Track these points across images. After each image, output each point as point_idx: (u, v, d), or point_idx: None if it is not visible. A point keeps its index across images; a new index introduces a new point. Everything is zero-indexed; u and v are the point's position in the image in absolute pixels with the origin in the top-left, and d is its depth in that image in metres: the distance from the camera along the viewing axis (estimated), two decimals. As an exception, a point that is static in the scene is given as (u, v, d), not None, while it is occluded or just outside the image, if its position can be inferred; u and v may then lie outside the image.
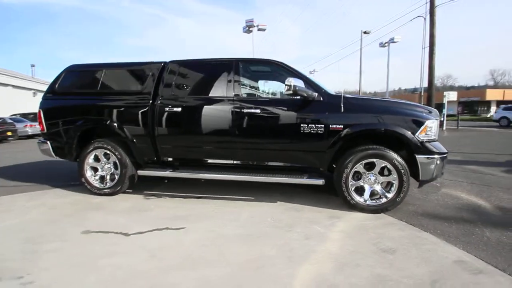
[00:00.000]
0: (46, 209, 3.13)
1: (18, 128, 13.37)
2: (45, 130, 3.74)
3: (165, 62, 3.56)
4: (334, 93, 3.13)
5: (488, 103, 37.90)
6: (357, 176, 3.04)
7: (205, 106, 3.29)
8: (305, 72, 3.30)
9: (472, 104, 38.63)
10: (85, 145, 3.64)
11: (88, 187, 3.60)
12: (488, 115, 32.19)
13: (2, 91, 20.17)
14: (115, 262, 2.01)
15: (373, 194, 3.03)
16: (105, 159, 3.60)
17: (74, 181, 4.32)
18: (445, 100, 15.74)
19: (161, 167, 3.53)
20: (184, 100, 3.36)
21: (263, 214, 3.00)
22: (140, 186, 3.86)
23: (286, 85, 2.81)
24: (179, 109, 3.30)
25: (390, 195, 2.94)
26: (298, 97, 3.02)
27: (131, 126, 3.45)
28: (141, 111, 3.41)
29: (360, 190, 3.04)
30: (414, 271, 1.91)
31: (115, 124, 3.47)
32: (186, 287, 1.73)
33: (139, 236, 2.45)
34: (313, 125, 2.99)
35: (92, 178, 3.61)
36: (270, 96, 3.62)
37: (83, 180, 3.61)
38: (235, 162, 3.35)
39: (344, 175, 2.97)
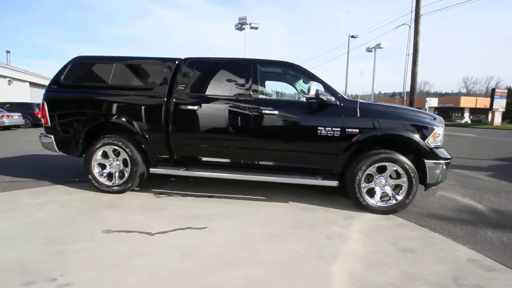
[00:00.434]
0: (56, 207, 3.00)
1: (-7, 118, 12.52)
2: (49, 124, 3.57)
3: (179, 59, 3.52)
4: (349, 99, 3.25)
5: (462, 110, 40.31)
6: (369, 178, 3.18)
7: (222, 106, 3.29)
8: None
9: (447, 110, 40.91)
10: (92, 140, 3.53)
11: (96, 184, 3.49)
12: (462, 121, 34.18)
13: (-27, 78, 18.74)
14: (150, 262, 2.00)
15: (383, 196, 3.19)
16: (114, 156, 3.51)
17: (73, 178, 4.18)
18: (427, 106, 16.62)
19: (173, 165, 3.49)
20: (200, 99, 3.34)
21: (280, 214, 3.07)
22: (145, 184, 3.79)
23: (309, 88, 2.89)
24: (196, 108, 3.28)
25: (399, 197, 3.12)
26: (316, 101, 3.11)
27: (144, 122, 3.38)
28: (156, 108, 3.35)
29: (371, 192, 3.19)
30: (436, 269, 2.06)
31: (128, 120, 3.38)
32: (232, 286, 1.76)
33: (164, 236, 2.43)
34: (330, 128, 3.10)
35: (99, 175, 3.51)
36: (288, 98, 3.68)
37: (90, 177, 3.49)
38: (249, 162, 3.39)
39: (358, 178, 3.10)
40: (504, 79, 63.57)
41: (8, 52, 30.99)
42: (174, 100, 3.32)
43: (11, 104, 15.71)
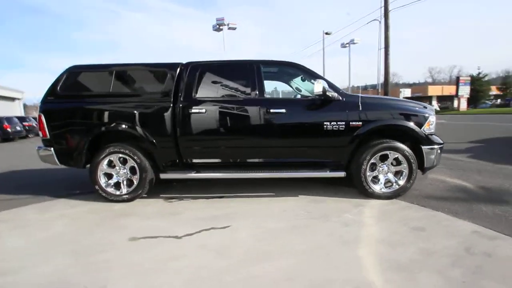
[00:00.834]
0: (68, 220, 2.93)
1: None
2: (48, 136, 3.44)
3: (182, 63, 3.53)
4: (350, 94, 3.44)
5: (430, 98, 42.77)
6: (372, 167, 3.40)
7: (230, 107, 3.35)
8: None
9: (416, 99, 43.15)
10: (93, 151, 3.46)
11: (104, 194, 3.43)
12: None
13: None
14: (187, 263, 2.05)
15: (386, 182, 3.43)
16: (120, 164, 3.46)
17: (72, 190, 4.06)
18: (401, 96, 17.51)
19: (183, 169, 3.50)
20: (207, 102, 3.38)
21: (293, 207, 3.20)
22: (152, 190, 3.74)
23: (316, 86, 3.03)
24: (203, 110, 3.32)
25: (401, 182, 3.36)
26: (321, 97, 3.26)
27: (152, 128, 3.36)
28: (163, 113, 3.35)
29: (375, 180, 3.41)
30: (447, 243, 2.29)
31: (135, 127, 3.35)
32: (273, 278, 1.85)
33: (192, 238, 2.48)
34: (336, 123, 3.27)
35: (106, 185, 3.44)
36: (294, 96, 3.79)
37: (97, 187, 3.42)
38: (259, 160, 3.49)
39: (363, 167, 3.30)
40: (465, 67, 68.41)
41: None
42: (181, 104, 3.34)
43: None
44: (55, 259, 2.13)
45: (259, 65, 3.45)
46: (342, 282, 1.79)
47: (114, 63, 3.57)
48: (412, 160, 3.29)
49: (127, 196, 3.44)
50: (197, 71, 3.45)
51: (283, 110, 3.31)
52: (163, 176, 3.43)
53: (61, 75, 3.54)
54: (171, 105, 3.36)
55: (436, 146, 3.39)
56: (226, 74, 3.54)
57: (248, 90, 3.41)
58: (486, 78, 37.01)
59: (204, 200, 3.56)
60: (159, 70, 3.51)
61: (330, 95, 3.21)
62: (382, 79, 22.22)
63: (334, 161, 3.43)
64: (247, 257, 2.14)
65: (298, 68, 3.55)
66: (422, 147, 3.33)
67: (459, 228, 2.58)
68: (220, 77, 3.53)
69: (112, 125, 3.38)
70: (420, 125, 3.33)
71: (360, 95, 3.34)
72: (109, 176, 3.50)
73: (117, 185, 3.49)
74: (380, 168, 3.40)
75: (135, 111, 3.38)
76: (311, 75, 3.46)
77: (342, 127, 3.28)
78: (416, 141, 3.37)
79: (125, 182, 3.48)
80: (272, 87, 4.82)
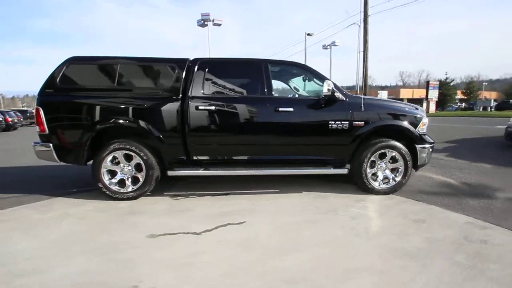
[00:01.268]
0: (75, 220, 2.83)
1: None
2: (46, 131, 3.28)
3: (189, 60, 3.52)
4: (353, 95, 3.63)
5: (401, 101, 45.17)
6: (371, 164, 3.62)
7: (239, 105, 3.41)
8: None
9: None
10: (94, 147, 3.36)
11: (107, 192, 3.34)
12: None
13: None
14: (217, 257, 2.10)
15: (383, 179, 3.66)
16: (125, 161, 3.39)
17: (68, 188, 3.90)
18: (379, 97, 18.38)
19: (190, 166, 3.50)
20: (216, 99, 3.41)
21: (300, 203, 3.33)
22: (154, 188, 3.71)
23: (325, 86, 3.19)
24: (212, 108, 3.35)
25: (398, 179, 3.61)
26: (327, 97, 3.42)
27: (159, 125, 3.33)
28: (171, 109, 3.33)
29: (373, 176, 3.64)
30: (446, 233, 2.53)
31: (141, 123, 3.29)
32: (304, 268, 1.96)
33: (211, 234, 2.52)
34: (340, 122, 3.44)
35: (110, 182, 3.36)
36: (302, 96, 3.90)
37: (100, 185, 3.32)
38: (266, 157, 3.57)
39: (364, 164, 3.52)
40: (433, 72, 73.33)
41: None
42: (190, 101, 3.34)
43: None
44: (78, 259, 2.08)
45: (267, 64, 3.53)
46: (367, 269, 1.94)
47: (119, 56, 3.48)
48: (407, 158, 3.55)
49: (132, 193, 3.38)
50: (205, 67, 3.46)
51: (291, 109, 3.42)
52: (171, 173, 3.41)
53: (60, 66, 3.38)
54: (180, 101, 3.34)
55: (428, 146, 3.68)
56: (234, 72, 3.59)
57: (256, 88, 3.48)
58: (452, 83, 39.82)
59: (210, 197, 3.59)
60: (167, 66, 3.47)
61: (337, 96, 3.37)
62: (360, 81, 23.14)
63: (337, 159, 3.60)
64: (272, 250, 2.23)
65: (305, 69, 3.68)
66: (417, 146, 3.61)
67: (453, 219, 2.84)
68: (228, 75, 3.57)
69: (118, 120, 3.30)
70: (415, 125, 3.60)
71: (362, 96, 3.54)
72: (112, 173, 3.41)
73: (121, 183, 3.42)
74: (379, 166, 3.63)
75: (142, 106, 3.33)
76: (317, 76, 3.60)
77: (346, 126, 3.46)
78: (411, 140, 3.63)
79: (129, 180, 3.41)
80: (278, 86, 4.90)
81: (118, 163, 3.40)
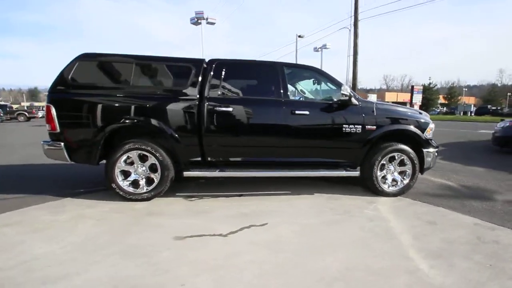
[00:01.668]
0: (94, 221, 2.76)
1: None
2: (57, 130, 3.17)
3: (205, 60, 3.51)
4: (365, 99, 3.74)
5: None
6: (381, 167, 3.75)
7: (256, 107, 3.43)
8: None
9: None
10: (108, 147, 3.29)
11: (121, 193, 3.27)
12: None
13: None
14: (248, 259, 2.11)
15: (392, 181, 3.80)
16: (140, 162, 3.33)
17: (74, 189, 3.79)
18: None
19: (205, 167, 3.49)
20: (233, 100, 3.41)
21: (316, 205, 3.40)
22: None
23: (343, 90, 3.27)
24: (230, 109, 3.35)
25: (406, 181, 3.76)
26: (341, 102, 3.50)
27: (176, 125, 3.29)
28: (188, 110, 3.30)
29: (383, 179, 3.76)
30: (460, 233, 2.66)
31: (158, 123, 3.25)
32: (339, 268, 2.02)
33: (237, 235, 2.53)
34: (353, 126, 3.54)
35: (123, 183, 3.29)
36: (317, 99, 3.95)
37: (113, 186, 3.25)
38: (280, 159, 3.61)
39: (375, 167, 3.63)
40: (414, 77, 76.21)
41: None
42: (207, 102, 3.32)
43: None
44: (107, 262, 2.04)
45: (283, 67, 3.57)
46: (396, 269, 2.02)
47: (134, 54, 3.41)
48: (415, 162, 3.71)
49: (147, 194, 3.32)
50: (222, 69, 3.45)
51: (307, 112, 3.48)
52: (187, 174, 3.38)
53: (72, 63, 3.28)
54: (197, 102, 3.32)
55: (433, 150, 3.85)
56: (250, 74, 3.61)
57: (273, 91, 3.51)
58: (435, 88, 41.48)
59: (224, 198, 3.59)
60: (183, 65, 3.43)
61: (353, 100, 3.47)
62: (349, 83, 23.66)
63: (349, 162, 3.70)
64: (301, 251, 2.27)
65: (320, 73, 3.75)
66: (424, 150, 3.76)
67: (462, 221, 3.00)
68: (244, 76, 3.59)
69: (133, 119, 3.24)
70: (423, 130, 3.76)
71: (374, 101, 3.65)
72: (125, 174, 3.34)
73: (134, 184, 3.36)
74: (388, 169, 3.76)
75: (159, 106, 3.28)
76: (331, 80, 3.68)
77: (359, 130, 3.56)
78: (418, 144, 3.79)
79: (144, 181, 3.36)
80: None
81: (131, 163, 3.34)
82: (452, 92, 45.07)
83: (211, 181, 4.29)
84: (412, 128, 3.70)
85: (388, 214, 3.16)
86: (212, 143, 3.40)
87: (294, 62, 29.85)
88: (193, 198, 3.54)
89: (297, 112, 3.45)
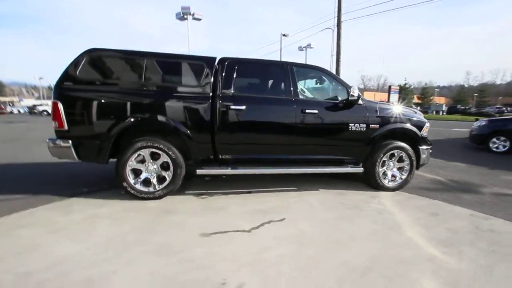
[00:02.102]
0: (110, 221, 2.70)
1: None
2: (65, 127, 3.05)
3: (217, 58, 3.51)
4: (368, 100, 3.93)
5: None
6: (382, 164, 3.96)
7: (268, 105, 3.49)
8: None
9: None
10: (117, 145, 3.22)
11: (132, 191, 3.22)
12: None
13: None
14: (278, 253, 2.19)
15: (391, 176, 4.03)
16: (151, 160, 3.28)
17: (76, 188, 3.66)
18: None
19: (217, 164, 3.50)
20: (247, 99, 3.45)
21: (326, 200, 3.54)
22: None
23: (353, 91, 3.43)
24: (243, 107, 3.39)
25: (404, 177, 4.01)
26: (345, 101, 3.66)
27: (189, 123, 3.28)
28: (201, 108, 3.30)
29: (383, 175, 3.99)
30: (460, 223, 2.91)
31: (171, 120, 3.22)
32: (365, 259, 2.15)
33: (259, 231, 2.59)
34: (359, 124, 3.72)
35: (135, 181, 3.24)
36: (326, 99, 4.05)
37: (125, 184, 3.19)
38: (289, 157, 3.71)
39: (377, 164, 3.84)
40: (389, 77, 79.99)
41: None
42: (220, 100, 3.34)
43: None
44: (141, 261, 2.03)
45: (292, 67, 3.66)
46: (417, 257, 2.19)
47: (144, 51, 3.33)
48: (413, 158, 3.96)
49: (159, 192, 3.29)
50: (234, 67, 3.48)
51: (316, 111, 3.60)
52: (200, 171, 3.37)
53: (79, 58, 3.15)
54: (210, 99, 3.33)
55: (428, 147, 4.14)
56: (261, 73, 3.66)
57: (283, 90, 3.59)
58: (410, 88, 43.67)
59: (234, 195, 3.64)
60: (195, 63, 3.41)
61: (360, 100, 3.64)
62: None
63: (354, 158, 3.88)
64: (327, 244, 2.38)
65: (326, 73, 3.88)
66: (420, 147, 4.03)
67: (458, 212, 3.27)
68: (256, 75, 3.63)
69: (146, 117, 3.18)
70: (420, 129, 4.02)
71: (377, 101, 3.85)
72: (135, 172, 3.28)
73: (146, 182, 3.31)
74: (388, 165, 3.99)
75: (171, 104, 3.25)
76: (337, 81, 3.83)
77: (363, 129, 3.75)
78: (415, 142, 4.05)
79: (155, 179, 3.32)
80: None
81: (142, 161, 3.29)
82: (425, 93, 47.84)
83: (217, 178, 4.30)
84: (411, 126, 3.94)
85: (392, 207, 3.37)
86: (224, 141, 3.42)
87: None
88: (204, 196, 3.55)
89: (307, 111, 3.56)
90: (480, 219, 3.04)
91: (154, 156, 3.30)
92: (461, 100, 53.43)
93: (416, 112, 4.35)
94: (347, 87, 3.76)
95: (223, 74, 3.43)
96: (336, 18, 22.97)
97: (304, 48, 25.78)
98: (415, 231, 2.71)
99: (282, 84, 3.61)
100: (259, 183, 4.10)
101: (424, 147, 4.08)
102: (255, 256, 2.13)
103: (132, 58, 3.31)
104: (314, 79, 4.21)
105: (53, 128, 3.10)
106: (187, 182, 4.00)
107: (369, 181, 4.04)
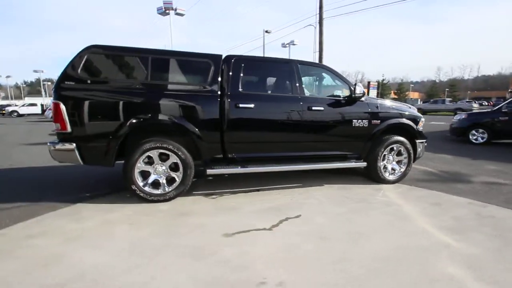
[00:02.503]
0: (126, 226, 2.61)
1: None
2: (68, 130, 2.89)
3: (223, 56, 3.47)
4: (369, 97, 4.06)
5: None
6: (383, 158, 4.13)
7: (275, 103, 3.51)
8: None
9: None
10: (123, 146, 3.11)
11: (142, 194, 3.13)
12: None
13: None
14: (307, 249, 2.23)
15: (391, 170, 4.21)
16: (160, 161, 3.20)
17: (77, 194, 3.51)
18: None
19: (226, 164, 3.48)
20: (254, 96, 3.45)
21: (333, 195, 3.63)
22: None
23: (358, 89, 3.53)
24: (252, 105, 3.38)
25: (403, 170, 4.20)
26: (352, 98, 3.76)
27: (199, 122, 3.23)
28: (210, 106, 3.26)
29: (384, 168, 4.15)
30: (461, 212, 3.11)
31: (180, 120, 3.15)
32: (387, 249, 2.24)
33: (280, 229, 2.62)
34: (361, 120, 3.84)
35: (144, 184, 3.15)
36: (331, 96, 4.12)
37: (133, 187, 3.09)
38: (295, 154, 3.76)
39: (379, 158, 4.00)
40: (367, 73, 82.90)
41: None
42: (229, 98, 3.31)
43: None
44: (174, 266, 1.98)
45: (297, 64, 3.70)
46: (434, 245, 2.32)
47: (149, 48, 3.23)
48: (411, 152, 4.16)
49: (169, 194, 3.22)
50: (241, 65, 3.46)
51: (322, 108, 3.67)
52: (210, 171, 3.34)
53: (79, 56, 2.99)
54: (219, 98, 3.29)
55: (423, 141, 4.36)
56: (268, 71, 3.67)
57: (290, 87, 3.63)
58: (387, 84, 45.44)
59: (243, 194, 3.64)
60: (201, 61, 3.35)
61: (363, 98, 3.75)
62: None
63: (356, 153, 4.01)
64: (348, 237, 2.45)
65: (329, 71, 3.95)
66: (416, 141, 4.24)
67: (457, 201, 3.48)
68: (263, 73, 3.63)
69: (154, 116, 3.09)
70: (416, 123, 4.22)
71: (377, 98, 3.99)
72: (143, 174, 3.19)
73: (155, 184, 3.22)
74: (388, 159, 4.16)
75: (180, 103, 3.18)
76: (340, 78, 3.92)
77: (366, 124, 3.88)
78: (412, 136, 4.25)
79: (165, 181, 3.24)
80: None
81: (150, 163, 3.20)
82: (401, 88, 50.04)
83: (222, 177, 4.28)
84: (409, 121, 4.13)
85: (397, 199, 3.53)
86: (233, 139, 3.41)
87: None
88: (213, 196, 3.53)
89: (313, 108, 3.62)
90: (479, 207, 3.25)
91: (162, 157, 3.23)
92: (433, 94, 56.36)
93: (410, 107, 4.56)
94: (350, 84, 3.87)
95: (230, 72, 3.40)
96: (317, 16, 23.31)
97: (287, 45, 25.99)
98: (424, 220, 2.86)
99: (288, 82, 3.65)
100: (265, 181, 4.13)
101: (420, 140, 4.29)
102: (285, 254, 2.16)
103: (135, 55, 3.20)
104: (318, 77, 4.28)
105: (55, 131, 2.94)
106: (193, 182, 3.94)
107: (370, 175, 4.19)
